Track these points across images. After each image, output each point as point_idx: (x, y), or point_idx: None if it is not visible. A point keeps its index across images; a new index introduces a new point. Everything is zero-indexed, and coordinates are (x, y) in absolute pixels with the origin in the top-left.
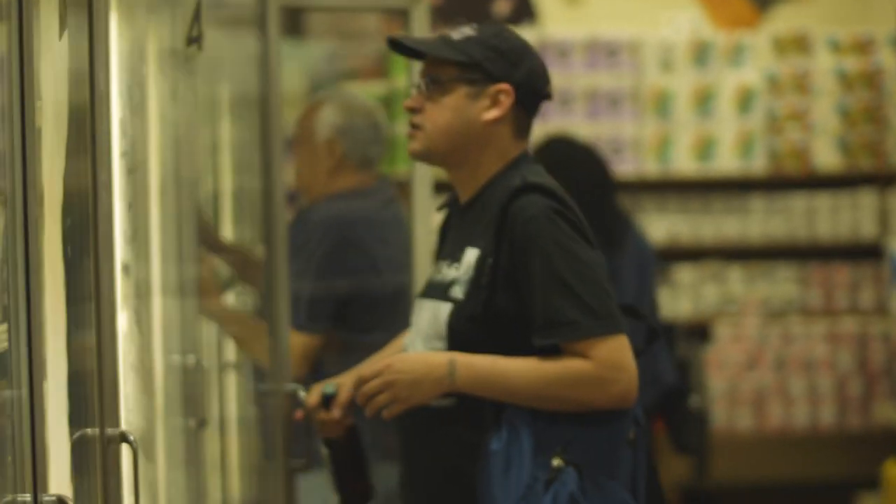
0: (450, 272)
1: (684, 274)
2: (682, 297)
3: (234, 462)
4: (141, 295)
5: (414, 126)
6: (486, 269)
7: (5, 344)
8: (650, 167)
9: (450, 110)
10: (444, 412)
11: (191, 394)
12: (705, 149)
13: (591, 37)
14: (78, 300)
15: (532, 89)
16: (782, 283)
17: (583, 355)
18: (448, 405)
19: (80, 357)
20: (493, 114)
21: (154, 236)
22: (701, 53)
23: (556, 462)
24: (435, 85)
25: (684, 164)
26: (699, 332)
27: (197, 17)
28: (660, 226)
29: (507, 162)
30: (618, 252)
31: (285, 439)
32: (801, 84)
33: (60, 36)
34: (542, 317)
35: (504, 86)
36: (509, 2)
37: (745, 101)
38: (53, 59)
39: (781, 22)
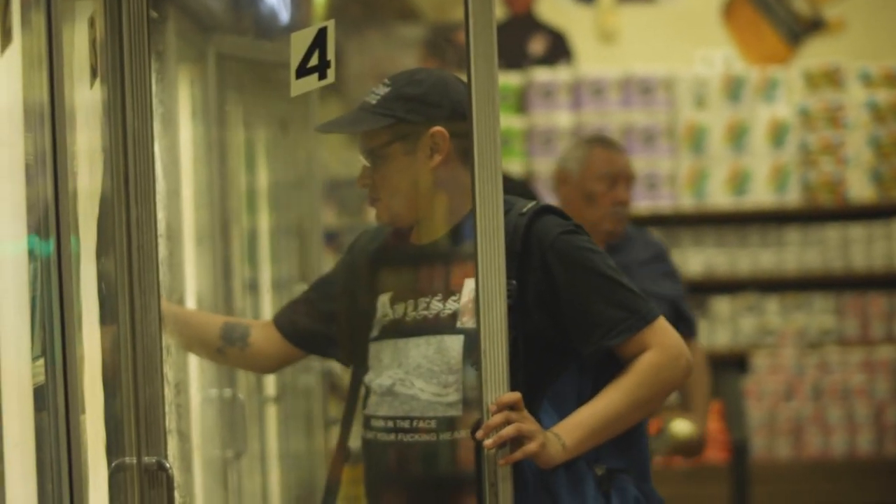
0: (445, 305)
1: (721, 306)
2: (719, 328)
3: (274, 495)
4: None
5: (373, 199)
6: (509, 294)
7: (42, 377)
8: (686, 202)
9: (396, 174)
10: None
11: (228, 426)
12: (740, 183)
13: (625, 74)
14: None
15: (463, 118)
16: (818, 314)
17: (644, 345)
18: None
19: (117, 387)
20: (436, 160)
21: (189, 267)
22: (734, 89)
23: (599, 471)
24: (373, 157)
25: (720, 197)
26: (737, 363)
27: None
28: (697, 259)
29: None
30: None
31: None
32: (834, 117)
33: (91, 84)
34: (605, 317)
35: (435, 129)
36: (545, 42)
37: (778, 135)
38: (86, 106)
39: (812, 57)
